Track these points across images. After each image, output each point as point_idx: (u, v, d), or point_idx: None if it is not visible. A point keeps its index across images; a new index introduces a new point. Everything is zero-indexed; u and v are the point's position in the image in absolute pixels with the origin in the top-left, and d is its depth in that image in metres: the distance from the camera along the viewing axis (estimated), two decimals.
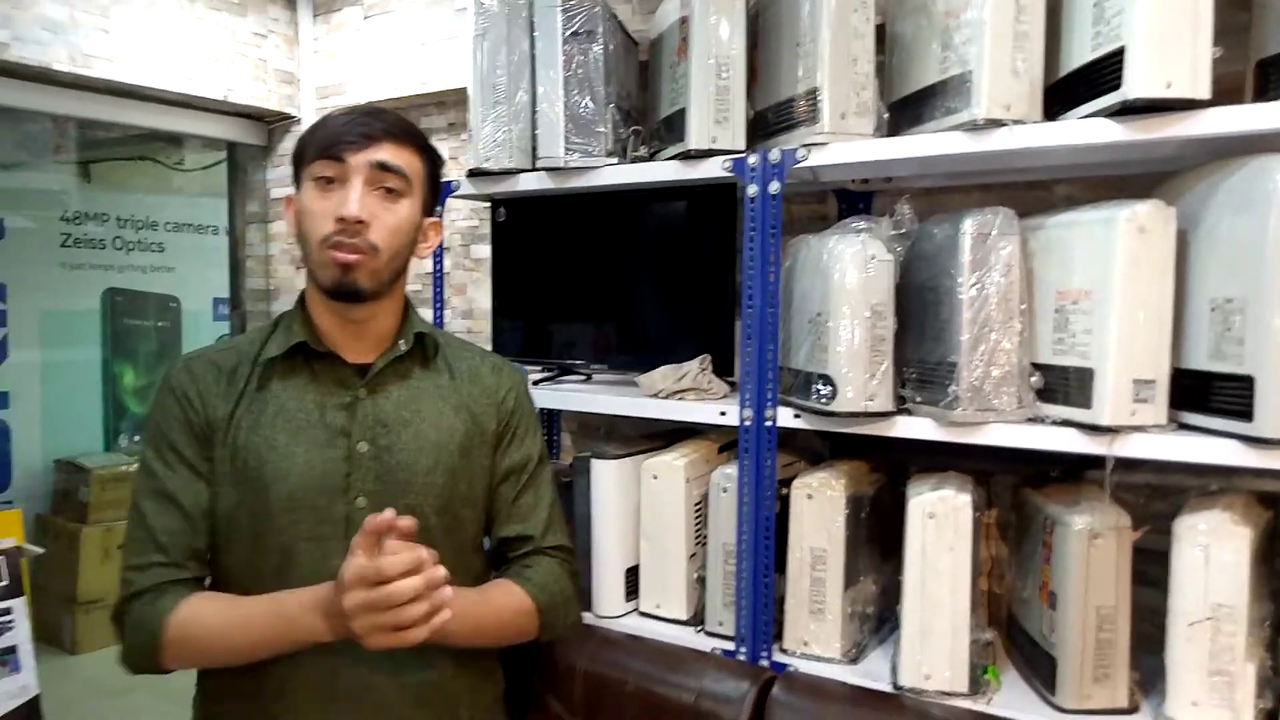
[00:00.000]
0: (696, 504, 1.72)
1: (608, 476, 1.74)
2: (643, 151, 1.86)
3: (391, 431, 1.27)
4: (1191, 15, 1.21)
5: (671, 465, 1.71)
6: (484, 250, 2.41)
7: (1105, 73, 1.27)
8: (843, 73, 1.53)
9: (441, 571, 1.09)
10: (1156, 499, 1.49)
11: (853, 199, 1.90)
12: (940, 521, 1.41)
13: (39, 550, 1.66)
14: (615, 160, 1.80)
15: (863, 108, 1.55)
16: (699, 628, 1.69)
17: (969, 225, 1.36)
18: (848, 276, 1.43)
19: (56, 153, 4.04)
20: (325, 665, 1.19)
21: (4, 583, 1.62)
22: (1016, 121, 1.36)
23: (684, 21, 1.66)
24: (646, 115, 1.93)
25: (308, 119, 2.91)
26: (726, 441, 1.80)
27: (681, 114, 1.67)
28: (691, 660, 1.58)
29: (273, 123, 3.01)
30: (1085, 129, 1.31)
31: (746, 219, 1.59)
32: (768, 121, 1.68)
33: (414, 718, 1.25)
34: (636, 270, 1.97)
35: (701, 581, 1.71)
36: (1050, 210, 1.41)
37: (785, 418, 1.56)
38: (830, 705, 1.44)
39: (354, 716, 1.21)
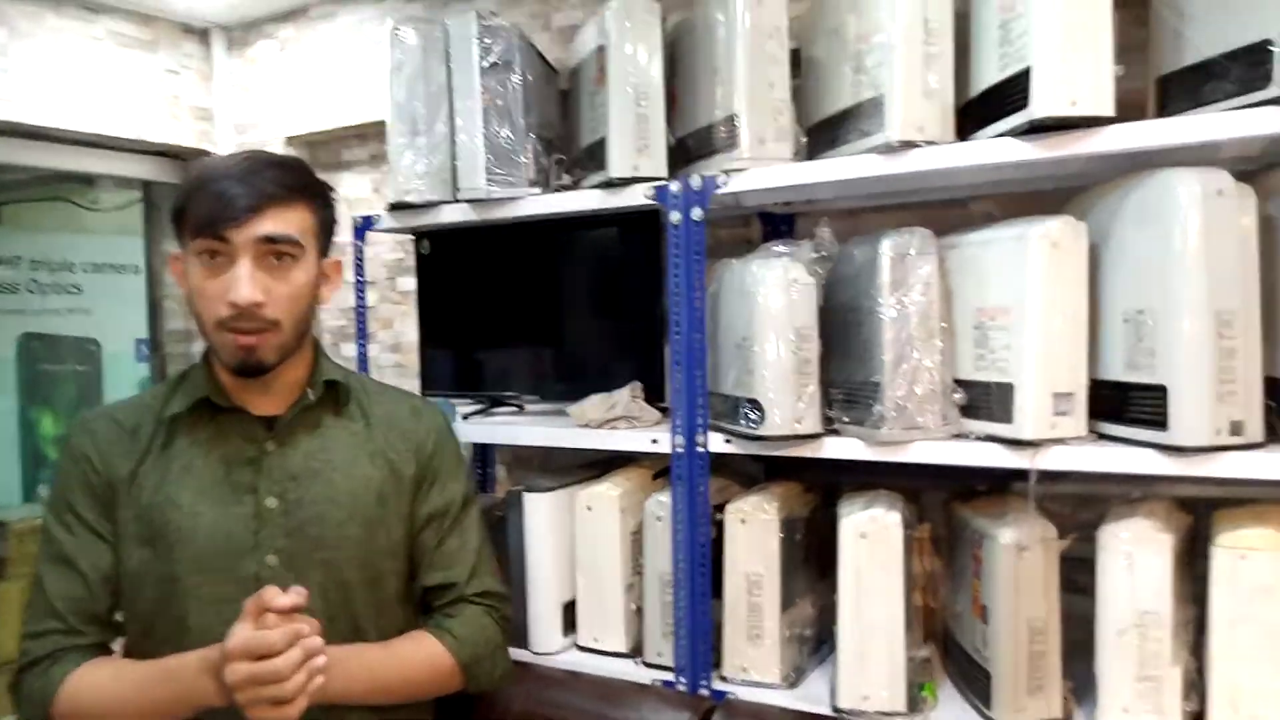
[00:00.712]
0: (633, 533, 1.70)
1: (541, 510, 1.71)
2: (566, 180, 1.85)
3: (301, 485, 1.22)
4: (1093, 35, 1.24)
5: (606, 496, 1.69)
6: (410, 283, 2.38)
7: (1013, 93, 1.30)
8: (760, 98, 1.54)
9: (318, 641, 1.06)
10: (1082, 508, 1.51)
11: (776, 221, 1.91)
12: (872, 541, 1.41)
13: None
14: (538, 190, 1.78)
15: (781, 132, 1.56)
16: (638, 659, 1.67)
17: (887, 246, 1.38)
18: (771, 301, 1.44)
19: None
20: None
21: None
22: (929, 142, 1.38)
23: (601, 50, 1.66)
24: (569, 144, 1.92)
25: None
26: (660, 469, 1.79)
27: (602, 143, 1.66)
28: (630, 693, 1.56)
29: (189, 160, 2.94)
30: (995, 148, 1.33)
31: (671, 245, 1.59)
32: (689, 148, 1.68)
33: None
34: (566, 299, 1.96)
35: (640, 612, 1.69)
36: (968, 228, 1.43)
37: (716, 443, 1.56)
38: None
39: None
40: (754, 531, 1.53)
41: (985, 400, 1.36)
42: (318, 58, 2.59)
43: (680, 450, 1.58)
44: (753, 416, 1.46)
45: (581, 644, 1.74)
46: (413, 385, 2.15)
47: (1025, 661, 1.33)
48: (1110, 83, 1.25)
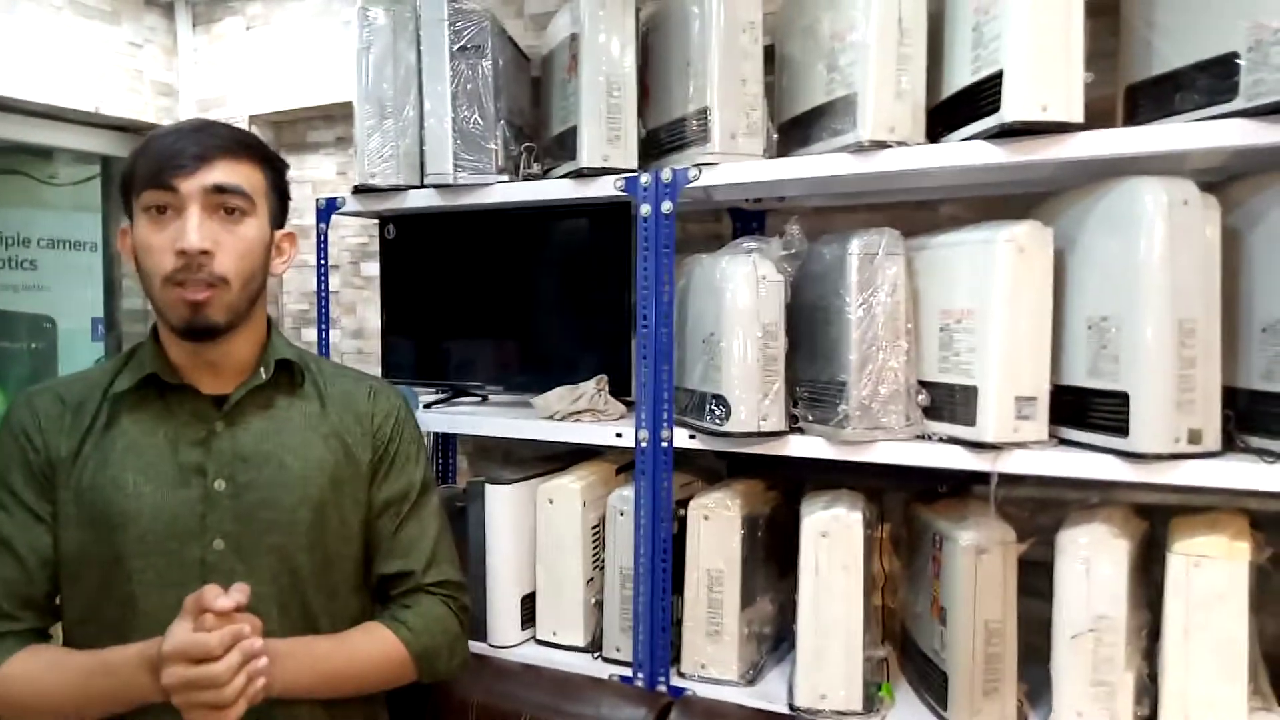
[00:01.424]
0: (594, 527, 1.69)
1: (502, 502, 1.70)
2: (536, 169, 1.83)
3: (251, 467, 1.19)
4: (1064, 41, 1.24)
5: (568, 489, 1.68)
6: (374, 268, 2.34)
7: (985, 96, 1.30)
8: (732, 93, 1.53)
9: (258, 643, 1.04)
10: (1041, 512, 1.52)
11: (747, 217, 1.90)
12: (833, 540, 1.41)
13: None
14: (506, 178, 1.76)
15: (753, 128, 1.55)
16: (597, 654, 1.66)
17: (855, 246, 1.37)
18: (739, 297, 1.43)
19: None
20: None
21: None
22: (900, 143, 1.38)
23: (574, 39, 1.65)
24: (539, 132, 1.90)
25: None
26: (624, 463, 1.78)
27: (573, 132, 1.65)
28: (588, 688, 1.55)
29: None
30: (965, 151, 1.33)
31: (640, 238, 1.57)
32: (660, 140, 1.67)
33: None
34: (532, 289, 1.94)
35: (599, 606, 1.68)
36: (936, 230, 1.43)
37: (681, 438, 1.55)
38: None
39: None
40: (716, 528, 1.53)
41: (949, 402, 1.36)
42: (285, 36, 2.54)
43: (644, 445, 1.57)
44: (718, 412, 1.45)
45: (540, 637, 1.73)
46: (375, 372, 2.12)
47: (982, 663, 1.34)
48: (1081, 89, 1.25)
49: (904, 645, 1.58)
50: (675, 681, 1.56)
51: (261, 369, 1.23)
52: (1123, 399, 1.22)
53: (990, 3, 1.28)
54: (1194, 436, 1.20)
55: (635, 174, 1.59)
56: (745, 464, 1.70)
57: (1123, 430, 1.22)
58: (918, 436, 1.39)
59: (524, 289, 1.94)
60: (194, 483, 1.17)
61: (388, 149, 1.81)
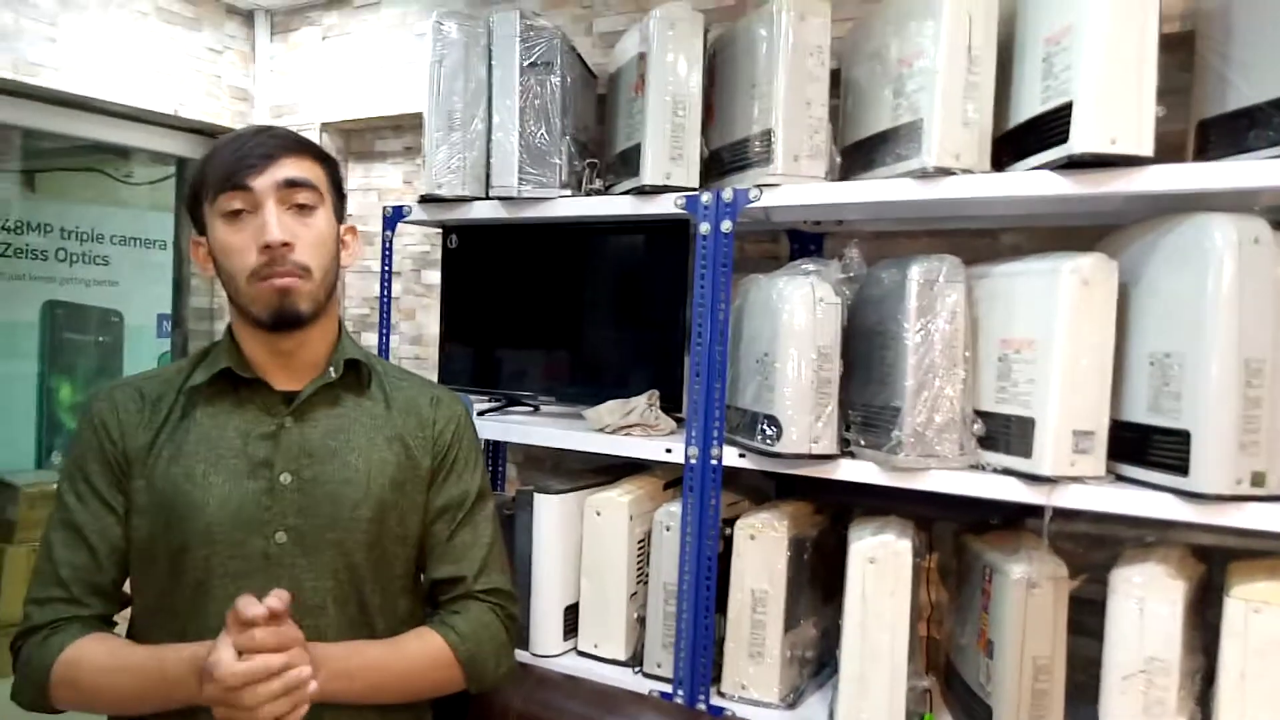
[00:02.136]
0: (639, 542, 1.70)
1: (550, 511, 1.71)
2: (598, 185, 1.85)
3: (317, 462, 1.21)
4: (1137, 74, 1.23)
5: (615, 502, 1.69)
6: (435, 276, 2.38)
7: (1053, 126, 1.29)
8: (797, 115, 1.53)
9: (305, 671, 1.04)
10: (1094, 549, 1.50)
11: (805, 239, 1.91)
12: (881, 567, 1.40)
13: None
14: (569, 192, 1.79)
15: (816, 151, 1.56)
16: (637, 669, 1.67)
17: (915, 272, 1.37)
18: (796, 318, 1.43)
19: None
20: None
21: None
22: (965, 171, 1.38)
23: (642, 58, 1.67)
24: (603, 149, 1.93)
25: None
26: (672, 479, 1.79)
27: (637, 149, 1.67)
28: (628, 703, 1.55)
29: None
30: (1031, 181, 1.33)
31: (698, 256, 1.59)
32: (722, 160, 1.68)
33: None
34: (588, 303, 1.96)
35: (641, 621, 1.68)
36: (997, 259, 1.42)
37: (730, 457, 1.55)
38: None
39: None
40: (762, 548, 1.52)
41: (1005, 433, 1.35)
42: (359, 47, 2.60)
43: (694, 462, 1.57)
44: (770, 433, 1.45)
45: (582, 649, 1.74)
46: (432, 379, 2.16)
47: (1028, 699, 1.32)
48: (1152, 123, 1.24)
49: (948, 677, 1.56)
50: (715, 701, 1.56)
51: (331, 368, 1.26)
52: (1184, 437, 1.20)
53: (1062, 33, 1.28)
54: (1257, 479, 1.17)
55: (696, 193, 1.61)
56: (793, 486, 1.69)
57: (1183, 469, 1.20)
58: (971, 466, 1.38)
59: (580, 302, 1.96)
60: (260, 475, 1.19)
61: (455, 160, 1.85)
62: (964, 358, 1.37)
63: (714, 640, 1.57)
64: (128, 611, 1.26)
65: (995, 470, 1.35)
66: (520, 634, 1.61)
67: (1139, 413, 1.28)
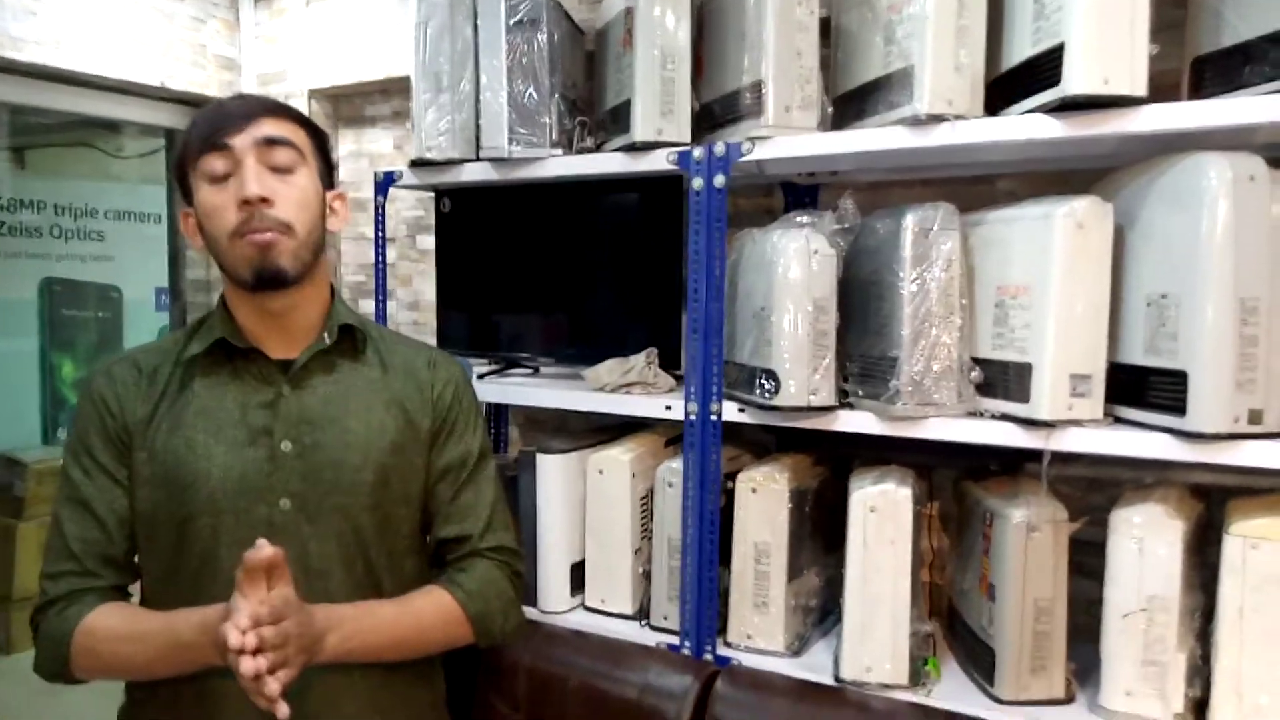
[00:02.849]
0: (642, 498, 1.71)
1: (553, 471, 1.72)
2: (589, 143, 1.84)
3: (317, 429, 1.23)
4: (1129, 12, 1.22)
5: (617, 460, 1.70)
6: (430, 241, 2.37)
7: (1045, 69, 1.28)
8: (787, 66, 1.52)
9: (267, 633, 1.02)
10: (1093, 491, 1.51)
11: (799, 192, 1.90)
12: (881, 515, 1.41)
13: None
14: (560, 151, 1.77)
15: (807, 101, 1.54)
16: (644, 622, 1.69)
17: (910, 220, 1.36)
18: (791, 271, 1.43)
19: None
20: None
21: None
22: (958, 117, 1.36)
23: (629, 12, 1.65)
24: (592, 106, 1.91)
25: None
26: (673, 435, 1.80)
27: (627, 105, 1.65)
28: (636, 655, 1.57)
29: None
30: (1025, 125, 1.32)
31: (691, 212, 1.58)
32: (713, 114, 1.67)
33: None
34: (584, 263, 1.96)
35: (647, 576, 1.70)
36: (992, 205, 1.41)
37: (730, 412, 1.56)
38: (773, 699, 1.45)
39: None
40: (764, 501, 1.54)
41: (1002, 379, 1.35)
42: (343, 11, 2.57)
43: (694, 418, 1.58)
44: (768, 387, 1.45)
45: (589, 604, 1.76)
46: (430, 343, 2.16)
47: (1030, 641, 1.34)
48: (1145, 62, 1.23)
49: (951, 622, 1.58)
50: (721, 651, 1.58)
51: (325, 334, 1.26)
52: (1181, 378, 1.20)
53: None
54: (1254, 417, 1.18)
55: (688, 148, 1.60)
56: (794, 439, 1.70)
57: (1180, 409, 1.20)
58: (970, 413, 1.38)
59: (576, 262, 1.96)
60: (261, 443, 1.20)
61: (444, 123, 1.83)
62: (960, 305, 1.37)
63: (718, 592, 1.58)
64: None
65: (993, 416, 1.35)
66: (527, 590, 1.64)
67: (1136, 355, 1.28)
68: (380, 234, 2.09)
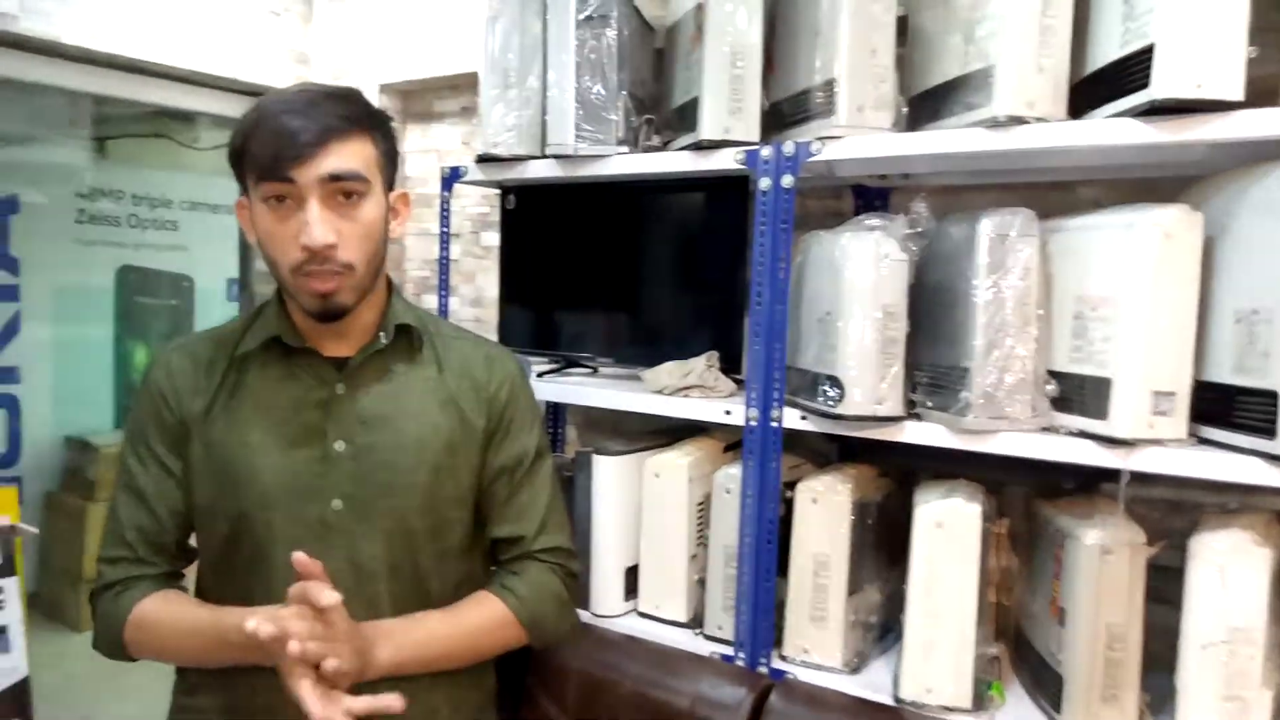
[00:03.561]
0: (699, 504, 1.68)
1: (609, 473, 1.70)
2: (655, 141, 1.81)
3: (370, 429, 1.22)
4: (1225, 12, 1.16)
5: (674, 464, 1.67)
6: (494, 237, 2.37)
7: (1133, 71, 1.22)
8: (861, 64, 1.48)
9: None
10: (1173, 515, 1.45)
11: (870, 195, 1.85)
12: (948, 531, 1.37)
13: (33, 530, 1.64)
14: (626, 149, 1.75)
15: (881, 101, 1.50)
16: (698, 630, 1.66)
17: (986, 226, 1.31)
18: (859, 275, 1.39)
19: (71, 127, 4.00)
20: None
21: None
22: (1039, 119, 1.31)
23: (700, 8, 1.62)
24: (660, 104, 1.89)
25: None
26: (732, 441, 1.76)
27: (694, 103, 1.62)
28: (689, 664, 1.55)
29: None
30: (1110, 129, 1.26)
31: (757, 213, 1.54)
32: (784, 113, 1.63)
33: None
34: (648, 263, 1.93)
35: (702, 583, 1.67)
36: (1073, 212, 1.36)
37: (791, 419, 1.52)
38: (828, 715, 1.41)
39: None
40: (825, 512, 1.50)
41: (1079, 394, 1.29)
42: (415, 5, 2.58)
43: (753, 424, 1.54)
44: (831, 394, 1.42)
45: (642, 610, 1.73)
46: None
47: (1101, 668, 1.28)
48: (1242, 65, 1.16)
49: (1018, 644, 1.52)
50: (776, 664, 1.54)
51: (381, 334, 1.25)
52: (1271, 398, 1.13)
53: None
54: None
55: (756, 147, 1.56)
56: (858, 449, 1.66)
57: (1270, 432, 1.13)
58: (1044, 428, 1.32)
59: (640, 262, 1.94)
60: (314, 443, 1.20)
61: (511, 119, 1.82)
62: (1037, 315, 1.32)
63: (775, 603, 1.55)
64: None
65: (1069, 433, 1.30)
66: (580, 592, 1.62)
67: (1223, 373, 1.22)
68: (445, 230, 2.09)
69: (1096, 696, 1.28)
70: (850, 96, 1.47)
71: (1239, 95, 1.16)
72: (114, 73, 2.52)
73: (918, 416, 1.43)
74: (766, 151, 1.54)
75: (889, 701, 1.41)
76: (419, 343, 1.30)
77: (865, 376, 1.39)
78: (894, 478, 1.65)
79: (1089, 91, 1.33)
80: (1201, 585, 1.22)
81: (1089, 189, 1.61)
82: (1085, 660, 1.28)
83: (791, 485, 1.54)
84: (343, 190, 1.13)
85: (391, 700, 1.01)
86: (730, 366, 1.72)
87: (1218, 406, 1.22)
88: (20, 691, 1.63)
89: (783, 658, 1.55)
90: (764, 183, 1.53)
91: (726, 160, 1.59)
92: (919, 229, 1.45)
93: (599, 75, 1.74)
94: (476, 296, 2.57)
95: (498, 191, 2.15)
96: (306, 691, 0.99)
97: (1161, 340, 1.21)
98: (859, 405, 1.40)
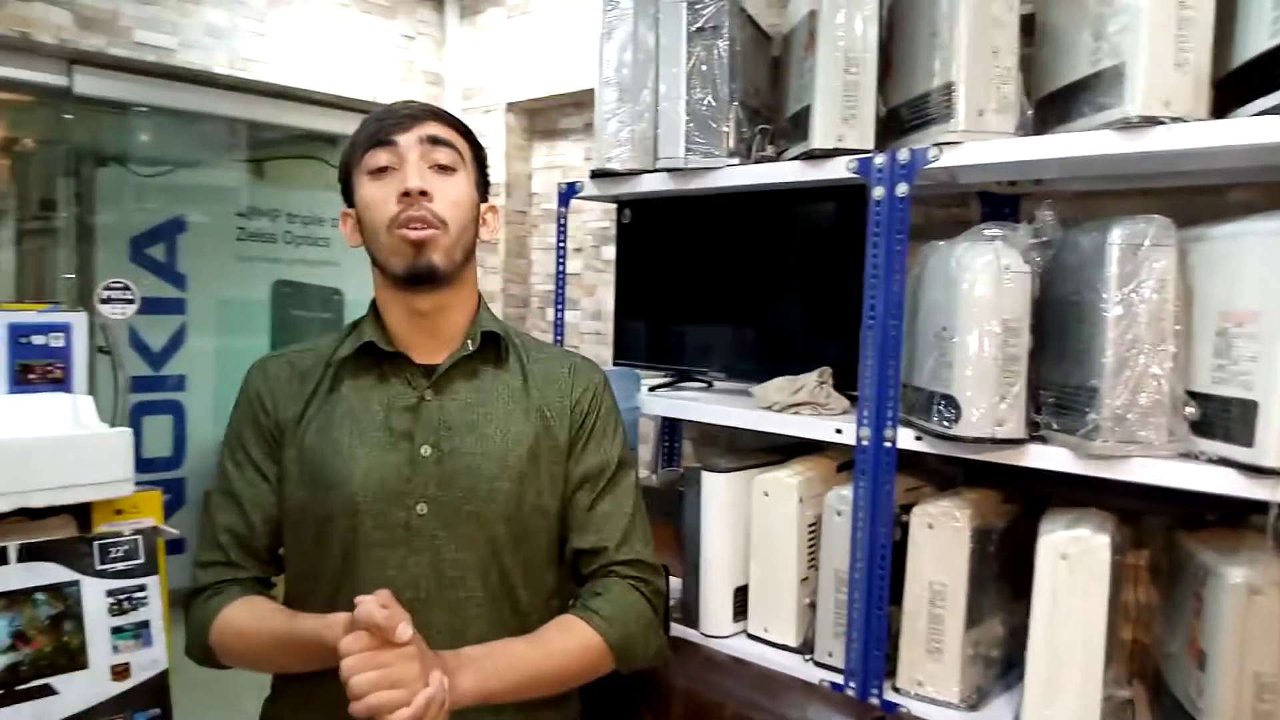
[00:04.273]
0: (810, 525, 1.62)
1: (717, 490, 1.67)
2: (770, 151, 1.77)
3: (456, 435, 1.23)
4: None
5: (784, 483, 1.62)
6: (613, 252, 2.38)
7: None
8: (981, 66, 1.40)
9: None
10: None
11: (998, 202, 1.75)
12: (1073, 563, 1.27)
13: (174, 532, 1.72)
14: (736, 160, 1.72)
15: (1004, 104, 1.41)
16: (808, 656, 1.60)
17: (1117, 235, 1.22)
18: (977, 288, 1.31)
19: (231, 152, 4.26)
20: None
21: (140, 561, 1.69)
22: (1176, 119, 1.20)
23: (813, 14, 1.57)
24: (776, 113, 1.84)
25: None
26: (846, 460, 1.70)
27: (807, 111, 1.58)
28: (796, 690, 1.50)
29: None
30: (1258, 127, 1.14)
31: (871, 222, 1.48)
32: (901, 119, 1.56)
33: None
34: (762, 276, 1.89)
35: (812, 607, 1.61)
36: (1220, 219, 1.24)
37: (906, 439, 1.45)
38: None
39: None
40: (942, 538, 1.42)
41: (1223, 418, 1.18)
42: (541, 24, 2.62)
43: (865, 443, 1.48)
44: (947, 414, 1.34)
45: (751, 632, 1.68)
46: (608, 354, 2.16)
47: (1248, 719, 1.16)
48: None
49: (1155, 687, 1.40)
50: (889, 695, 1.47)
51: (469, 340, 1.27)
52: None
53: None
54: None
55: (869, 155, 1.50)
56: (983, 472, 1.56)
57: None
58: (1182, 455, 1.21)
59: (753, 275, 1.89)
60: (402, 447, 1.22)
61: (624, 133, 1.82)
62: (1174, 332, 1.21)
63: (889, 633, 1.48)
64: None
65: (1210, 460, 1.18)
66: (687, 611, 1.60)
67: None
68: (562, 244, 2.10)
69: None
70: (969, 99, 1.40)
71: None
72: (262, 99, 2.67)
73: (1042, 439, 1.33)
74: (880, 159, 1.47)
75: None
76: (505, 352, 1.31)
77: (983, 396, 1.31)
78: (1021, 503, 1.55)
79: (1236, 87, 1.22)
80: None
81: (1240, 193, 1.48)
82: (1228, 710, 1.16)
83: (908, 509, 1.47)
84: (439, 158, 1.22)
85: None
86: (846, 383, 1.66)
87: None
88: (160, 681, 1.71)
89: (896, 689, 1.47)
90: (877, 191, 1.47)
91: (839, 169, 1.54)
92: (1044, 238, 1.36)
93: (710, 86, 1.71)
94: (597, 310, 2.58)
95: (615, 205, 2.15)
96: None
97: None
98: (976, 426, 1.31)
